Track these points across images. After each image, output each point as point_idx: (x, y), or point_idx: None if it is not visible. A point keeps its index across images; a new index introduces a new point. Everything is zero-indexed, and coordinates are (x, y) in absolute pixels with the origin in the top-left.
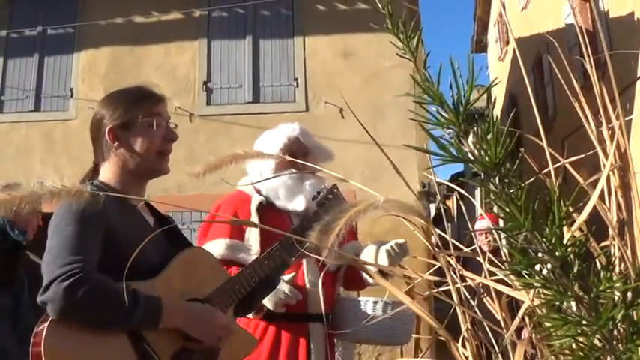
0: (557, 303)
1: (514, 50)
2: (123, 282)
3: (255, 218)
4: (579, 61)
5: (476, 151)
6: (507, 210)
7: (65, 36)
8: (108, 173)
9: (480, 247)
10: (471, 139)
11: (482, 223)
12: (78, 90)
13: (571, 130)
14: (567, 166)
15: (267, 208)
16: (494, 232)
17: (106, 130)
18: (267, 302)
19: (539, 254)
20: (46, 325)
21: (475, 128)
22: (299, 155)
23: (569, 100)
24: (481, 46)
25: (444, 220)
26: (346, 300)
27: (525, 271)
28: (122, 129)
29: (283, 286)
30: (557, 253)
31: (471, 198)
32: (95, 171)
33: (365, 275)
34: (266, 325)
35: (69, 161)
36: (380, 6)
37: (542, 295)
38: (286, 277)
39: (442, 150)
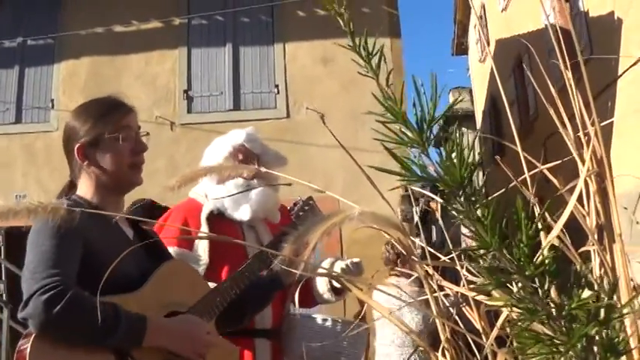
0: (529, 322)
1: (494, 52)
2: (103, 296)
3: (204, 227)
4: (557, 64)
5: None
6: (474, 229)
7: (45, 47)
8: (83, 188)
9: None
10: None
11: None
12: (59, 101)
13: (553, 130)
14: (545, 171)
15: (217, 218)
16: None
17: (75, 149)
18: None
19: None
20: (30, 340)
21: (441, 147)
22: (246, 162)
23: (550, 102)
24: (462, 49)
25: (427, 226)
26: (296, 317)
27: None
28: (90, 146)
29: None
30: (526, 273)
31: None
32: (71, 184)
33: (316, 293)
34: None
35: (51, 173)
36: (342, 24)
37: (514, 314)
38: None
39: (405, 170)
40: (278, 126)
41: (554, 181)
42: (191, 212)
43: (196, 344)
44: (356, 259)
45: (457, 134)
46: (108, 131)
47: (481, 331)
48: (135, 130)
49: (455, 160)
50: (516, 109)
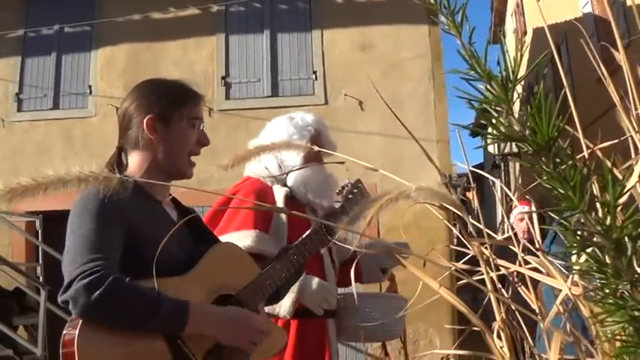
0: (611, 288)
1: (532, 41)
2: (150, 278)
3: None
4: (598, 51)
5: (522, 129)
6: (561, 190)
7: (82, 34)
8: (134, 166)
9: (515, 234)
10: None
11: (524, 209)
12: (97, 87)
13: (590, 120)
14: (598, 152)
15: (290, 201)
16: (527, 220)
17: (145, 119)
18: (311, 305)
19: (593, 236)
20: (78, 325)
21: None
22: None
23: (587, 91)
24: (501, 35)
25: (469, 209)
26: (346, 296)
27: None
28: (161, 122)
29: (329, 288)
30: (613, 236)
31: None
32: (119, 162)
33: (366, 270)
34: (287, 322)
35: (89, 158)
36: None
37: (598, 280)
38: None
39: (494, 128)
40: (316, 112)
41: (607, 161)
42: (263, 194)
43: (250, 332)
44: (402, 241)
45: (543, 92)
46: (184, 115)
47: (537, 311)
48: (202, 122)
49: (542, 118)
50: (554, 99)
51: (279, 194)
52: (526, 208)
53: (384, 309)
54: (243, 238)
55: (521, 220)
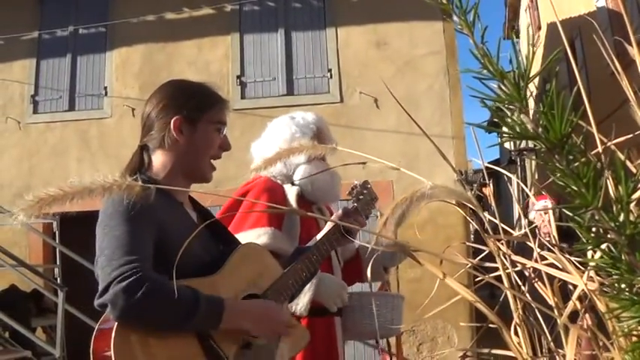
0: (626, 283)
1: (546, 36)
2: (179, 280)
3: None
4: (611, 45)
5: (535, 127)
6: (574, 187)
7: (97, 35)
8: (158, 166)
9: (535, 228)
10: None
11: (544, 203)
12: (112, 88)
13: (604, 115)
14: (613, 147)
15: (300, 199)
16: (545, 213)
17: (173, 119)
18: (326, 302)
19: (607, 233)
20: (113, 326)
21: (539, 102)
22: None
23: (602, 86)
24: (513, 32)
25: (485, 206)
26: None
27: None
28: (188, 123)
29: (343, 285)
30: (627, 232)
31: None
32: (141, 161)
33: (373, 270)
34: (298, 320)
35: (105, 159)
36: None
37: (612, 275)
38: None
39: (507, 127)
40: (332, 111)
41: (620, 155)
42: (275, 193)
43: (275, 325)
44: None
45: (555, 90)
46: (211, 119)
47: (554, 306)
48: (226, 127)
49: (554, 116)
50: (568, 94)
51: (292, 193)
52: (548, 202)
53: (388, 307)
54: (259, 235)
55: (546, 213)
